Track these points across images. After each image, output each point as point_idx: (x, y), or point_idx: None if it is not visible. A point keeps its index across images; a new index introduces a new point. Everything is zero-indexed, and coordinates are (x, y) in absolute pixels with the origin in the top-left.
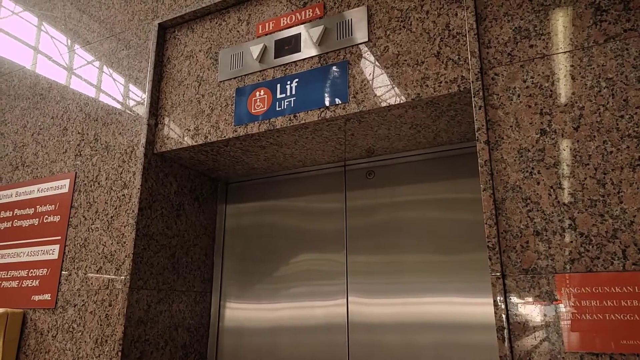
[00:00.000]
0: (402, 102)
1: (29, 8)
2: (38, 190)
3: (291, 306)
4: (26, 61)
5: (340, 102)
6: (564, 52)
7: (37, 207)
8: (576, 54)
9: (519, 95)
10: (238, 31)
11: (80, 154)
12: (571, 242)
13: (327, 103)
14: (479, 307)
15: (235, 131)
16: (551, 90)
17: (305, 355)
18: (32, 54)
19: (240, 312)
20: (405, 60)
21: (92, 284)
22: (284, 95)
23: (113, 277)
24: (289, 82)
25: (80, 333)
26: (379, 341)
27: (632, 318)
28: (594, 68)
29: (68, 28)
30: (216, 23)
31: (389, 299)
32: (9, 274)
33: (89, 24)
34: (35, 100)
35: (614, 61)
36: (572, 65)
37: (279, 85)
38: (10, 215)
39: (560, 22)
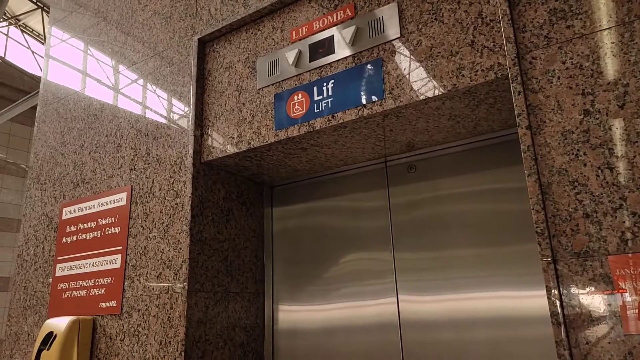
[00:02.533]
0: (438, 94)
1: (77, 35)
2: (98, 204)
3: (342, 306)
4: (78, 85)
5: (376, 99)
6: (604, 29)
7: (99, 220)
8: (617, 30)
9: (558, 78)
10: (273, 39)
11: (135, 168)
12: (623, 222)
13: (363, 101)
14: (534, 300)
15: (277, 135)
16: (592, 70)
17: (360, 355)
18: (81, 78)
19: (293, 314)
20: (439, 52)
21: (153, 289)
22: (321, 96)
23: (172, 281)
24: (325, 84)
25: (145, 336)
26: (433, 338)
27: None
28: (637, 43)
29: (114, 51)
30: (252, 33)
31: (439, 296)
32: (77, 284)
33: (134, 45)
34: (90, 121)
35: None
36: (612, 42)
37: (315, 88)
38: (75, 229)
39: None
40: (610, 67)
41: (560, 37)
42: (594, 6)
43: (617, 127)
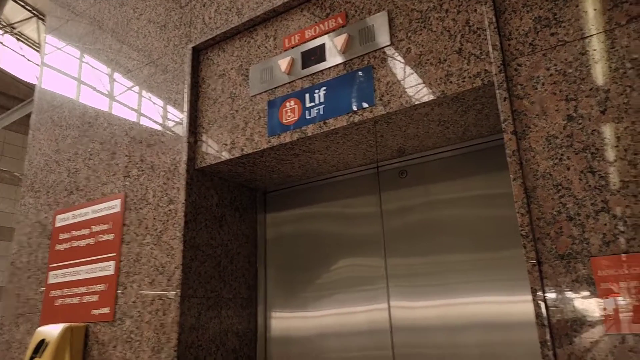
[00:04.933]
0: (427, 100)
1: (72, 43)
2: (92, 211)
3: (334, 312)
4: (73, 93)
5: (367, 106)
6: (586, 37)
7: (92, 227)
8: (598, 38)
9: (543, 84)
10: (266, 47)
11: (129, 175)
12: (605, 224)
13: (354, 108)
14: (526, 304)
15: (269, 142)
16: (575, 76)
17: None
18: (76, 86)
19: (285, 320)
20: (428, 60)
21: (146, 295)
22: (313, 103)
23: (165, 287)
24: (317, 91)
25: (138, 342)
26: (424, 343)
27: None
28: (617, 50)
29: (109, 59)
30: (245, 41)
31: (431, 301)
32: (70, 291)
33: (129, 53)
34: (85, 129)
35: (638, 41)
36: (594, 49)
37: (307, 95)
38: (69, 236)
39: (580, 8)
40: (593, 73)
41: (545, 44)
42: (577, 14)
43: (599, 131)
